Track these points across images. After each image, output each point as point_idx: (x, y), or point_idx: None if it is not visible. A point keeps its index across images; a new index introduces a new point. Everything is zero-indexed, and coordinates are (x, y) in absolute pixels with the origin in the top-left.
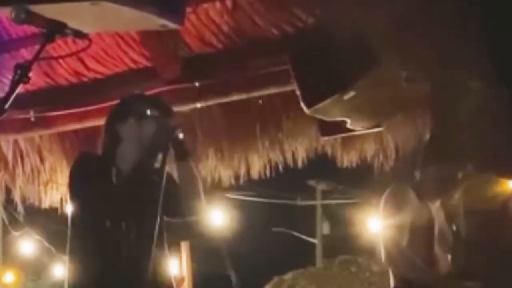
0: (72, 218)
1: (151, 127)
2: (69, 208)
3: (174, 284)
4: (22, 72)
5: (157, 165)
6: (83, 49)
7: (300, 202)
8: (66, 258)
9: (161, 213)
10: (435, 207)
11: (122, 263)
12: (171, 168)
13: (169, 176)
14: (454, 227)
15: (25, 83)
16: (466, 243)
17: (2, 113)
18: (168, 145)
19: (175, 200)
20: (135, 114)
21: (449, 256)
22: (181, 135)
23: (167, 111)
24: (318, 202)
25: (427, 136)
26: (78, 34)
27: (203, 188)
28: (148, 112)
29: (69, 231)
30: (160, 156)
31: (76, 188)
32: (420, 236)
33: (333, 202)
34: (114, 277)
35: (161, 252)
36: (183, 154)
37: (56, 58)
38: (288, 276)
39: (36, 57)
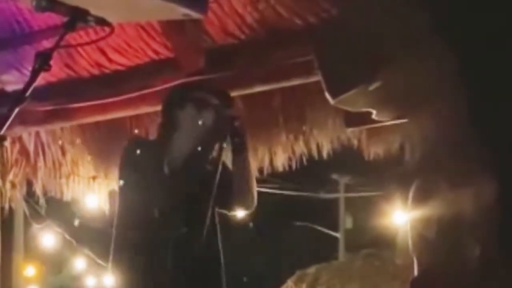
0: (120, 206)
1: (210, 116)
2: (117, 195)
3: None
4: (42, 60)
5: (213, 155)
6: (106, 36)
7: (323, 195)
8: (111, 246)
9: (214, 204)
10: (465, 197)
11: (171, 257)
12: (227, 159)
13: (224, 167)
14: (485, 217)
15: (46, 71)
16: (497, 233)
17: (23, 101)
18: (226, 135)
19: (228, 193)
20: (195, 101)
21: (479, 247)
22: (240, 126)
23: (227, 101)
24: (341, 195)
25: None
26: (101, 21)
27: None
28: (208, 99)
29: (115, 219)
30: (217, 146)
31: (126, 174)
32: (448, 227)
33: (356, 195)
34: (163, 271)
35: (214, 243)
36: (241, 146)
37: (77, 46)
38: (311, 270)
39: (57, 45)
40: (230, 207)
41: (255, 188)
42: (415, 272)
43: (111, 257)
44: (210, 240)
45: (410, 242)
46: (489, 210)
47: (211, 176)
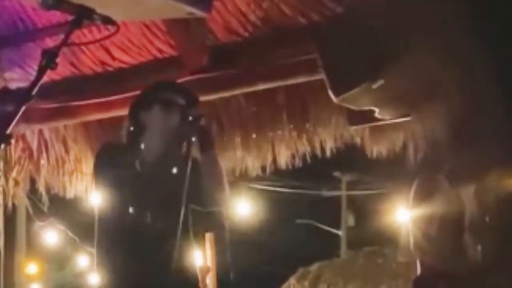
0: (98, 207)
1: (176, 116)
2: (94, 197)
3: (199, 274)
4: (49, 58)
5: (181, 154)
6: (111, 35)
7: (325, 193)
8: (94, 246)
9: (186, 202)
10: (468, 195)
11: (147, 252)
12: (196, 158)
13: (194, 166)
14: (486, 217)
15: (52, 69)
16: (498, 233)
17: (30, 99)
18: (192, 134)
19: (199, 190)
20: (159, 102)
21: (480, 247)
22: (205, 125)
23: (191, 100)
24: (343, 193)
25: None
26: (106, 20)
27: (227, 179)
28: (173, 100)
29: (96, 220)
30: (184, 145)
31: (100, 176)
32: (450, 225)
33: (358, 193)
34: (139, 265)
35: (187, 241)
36: (208, 144)
37: (83, 44)
38: (313, 267)
39: (64, 43)
40: (203, 205)
41: (226, 185)
42: (418, 271)
43: (94, 253)
44: (184, 238)
45: (412, 240)
46: (490, 209)
47: (181, 175)
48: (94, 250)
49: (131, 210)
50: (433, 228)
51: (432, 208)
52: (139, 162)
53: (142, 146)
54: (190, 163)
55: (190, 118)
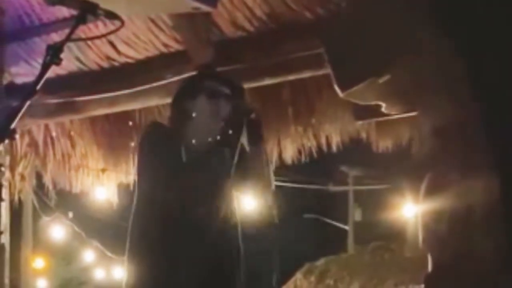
0: (138, 192)
1: (221, 106)
2: (134, 175)
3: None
4: (53, 53)
5: (230, 145)
6: (116, 30)
7: (332, 188)
8: (128, 233)
9: (233, 193)
10: (478, 191)
11: (186, 240)
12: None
13: (243, 156)
14: (497, 211)
15: (57, 64)
16: (509, 227)
17: (34, 94)
18: (242, 126)
19: (245, 182)
20: (206, 91)
21: (491, 242)
22: (257, 118)
23: (237, 90)
24: (350, 188)
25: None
26: (110, 15)
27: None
28: (219, 89)
29: (134, 205)
30: (234, 137)
31: (145, 160)
32: (461, 221)
33: (365, 188)
34: (180, 255)
35: (233, 229)
36: (257, 138)
37: (88, 39)
38: (319, 262)
39: (68, 38)
40: (248, 195)
41: (272, 178)
42: (429, 268)
43: (127, 246)
44: (229, 228)
45: (420, 236)
46: (500, 203)
47: (228, 166)
48: (128, 242)
49: (173, 197)
50: (442, 225)
51: (441, 204)
52: (184, 148)
53: (188, 134)
54: (237, 155)
55: (241, 109)
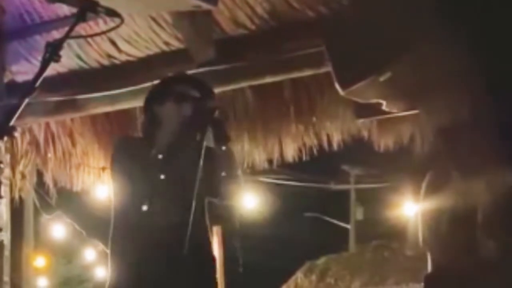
0: (114, 199)
1: (190, 108)
2: (110, 190)
3: (216, 261)
4: (52, 50)
5: (195, 146)
6: (115, 27)
7: (333, 187)
8: (108, 239)
9: (201, 194)
10: (480, 189)
11: (161, 242)
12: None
13: (209, 157)
14: (499, 210)
15: (56, 61)
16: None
17: (33, 92)
18: (206, 126)
19: (213, 182)
20: (173, 95)
21: (492, 243)
22: (220, 117)
23: (206, 92)
24: (351, 187)
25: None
26: (110, 13)
27: (241, 173)
28: (187, 92)
29: (112, 212)
30: (198, 138)
31: (117, 169)
32: (462, 221)
33: (367, 186)
34: (153, 256)
35: (201, 231)
36: (223, 136)
37: (87, 37)
38: (320, 261)
39: (67, 35)
40: (216, 197)
41: (240, 177)
42: (429, 268)
43: (108, 249)
44: (200, 231)
45: (421, 237)
46: (502, 202)
47: (194, 166)
48: (108, 243)
49: (146, 202)
50: (443, 224)
51: (442, 203)
52: (154, 155)
53: (158, 139)
54: (203, 155)
55: (205, 109)
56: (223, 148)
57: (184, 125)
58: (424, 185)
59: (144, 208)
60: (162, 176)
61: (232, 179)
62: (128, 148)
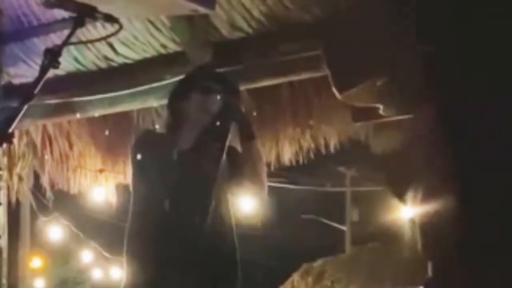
0: (133, 194)
1: (215, 103)
2: (130, 183)
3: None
4: (51, 56)
5: (220, 142)
6: (114, 33)
7: (329, 189)
8: (125, 232)
9: (226, 191)
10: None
11: (180, 239)
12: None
13: (234, 154)
14: (448, 227)
15: (55, 68)
16: (458, 244)
17: (32, 98)
18: (232, 122)
19: (238, 178)
20: (197, 90)
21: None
22: (246, 114)
23: (231, 87)
24: (347, 189)
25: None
26: (109, 18)
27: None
28: (211, 87)
29: (130, 207)
30: (224, 133)
31: (137, 163)
32: (458, 225)
33: (363, 189)
34: (171, 253)
35: (229, 230)
36: (249, 134)
37: (86, 43)
38: (317, 263)
39: (66, 42)
40: (241, 194)
41: (265, 175)
42: (429, 272)
43: (125, 247)
44: (224, 230)
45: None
46: (451, 220)
47: (217, 164)
48: (125, 239)
49: (167, 198)
50: (442, 227)
51: (439, 210)
52: (177, 151)
53: (182, 135)
54: (225, 153)
55: (232, 105)
56: (248, 144)
57: (209, 121)
58: (419, 192)
59: (165, 204)
60: (186, 173)
61: (257, 178)
62: (151, 142)
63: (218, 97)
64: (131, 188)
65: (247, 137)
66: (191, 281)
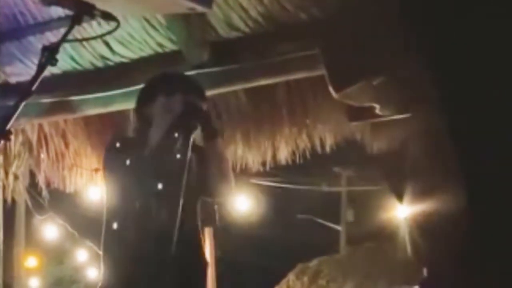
0: (106, 198)
1: (179, 104)
2: (102, 188)
3: (207, 265)
4: (49, 54)
5: (182, 142)
6: (112, 31)
7: (325, 189)
8: (101, 238)
9: (195, 193)
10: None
11: (151, 239)
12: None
13: (199, 155)
14: (456, 226)
15: (53, 65)
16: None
17: (30, 95)
18: (195, 122)
19: (203, 180)
20: (163, 93)
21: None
22: (208, 112)
23: (194, 88)
24: (343, 189)
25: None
26: (106, 16)
27: (232, 170)
28: (176, 89)
29: (104, 212)
30: (187, 133)
31: (109, 168)
32: (450, 227)
33: (358, 188)
34: (143, 252)
35: (195, 232)
36: (212, 132)
37: (83, 40)
38: (312, 263)
39: (63, 39)
40: (208, 194)
41: (231, 174)
42: (425, 273)
43: (101, 247)
44: (191, 232)
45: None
46: (457, 219)
47: (181, 164)
48: (101, 243)
49: (136, 202)
50: (435, 232)
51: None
52: (146, 153)
53: (149, 138)
54: (190, 151)
55: (193, 106)
56: (212, 143)
57: (174, 122)
58: (413, 192)
59: (134, 208)
60: (154, 174)
61: (222, 176)
62: (121, 146)
63: (181, 97)
64: (103, 194)
65: (210, 135)
66: (159, 284)
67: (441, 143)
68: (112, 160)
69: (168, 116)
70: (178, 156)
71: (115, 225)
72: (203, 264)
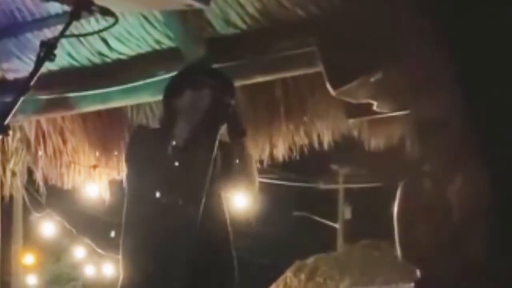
0: (128, 190)
1: (208, 99)
2: (124, 179)
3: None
4: (47, 49)
5: (211, 138)
6: (110, 27)
7: (322, 186)
8: (121, 227)
9: (219, 187)
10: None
11: (174, 234)
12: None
13: (225, 151)
14: (478, 216)
15: (51, 60)
16: (490, 233)
17: (28, 90)
18: (223, 119)
19: (227, 177)
20: (191, 86)
21: (474, 248)
22: (236, 110)
23: (225, 83)
24: (340, 186)
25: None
26: (105, 12)
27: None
28: (204, 82)
29: (124, 204)
30: (215, 129)
31: (132, 160)
32: (439, 225)
33: (356, 186)
34: (165, 248)
35: (222, 226)
36: (238, 130)
37: (81, 36)
38: (309, 260)
39: (62, 34)
40: (232, 190)
41: (256, 171)
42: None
43: (121, 242)
44: (218, 225)
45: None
46: (481, 209)
47: (207, 160)
48: (121, 235)
49: (160, 193)
50: (422, 230)
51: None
52: (170, 146)
53: (175, 130)
54: (216, 148)
55: (222, 102)
56: (237, 141)
57: (201, 117)
58: (400, 189)
59: (158, 200)
60: (178, 168)
61: (247, 175)
62: (145, 138)
63: (209, 92)
64: (125, 185)
65: (236, 134)
66: (186, 275)
67: (450, 134)
68: (136, 153)
69: (195, 112)
70: (204, 152)
71: (138, 217)
72: (231, 259)
